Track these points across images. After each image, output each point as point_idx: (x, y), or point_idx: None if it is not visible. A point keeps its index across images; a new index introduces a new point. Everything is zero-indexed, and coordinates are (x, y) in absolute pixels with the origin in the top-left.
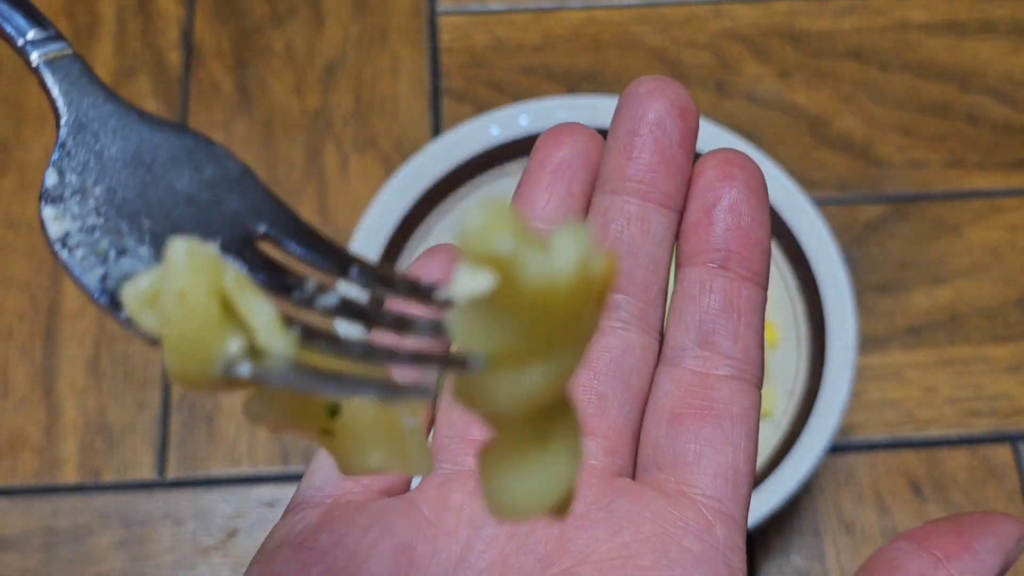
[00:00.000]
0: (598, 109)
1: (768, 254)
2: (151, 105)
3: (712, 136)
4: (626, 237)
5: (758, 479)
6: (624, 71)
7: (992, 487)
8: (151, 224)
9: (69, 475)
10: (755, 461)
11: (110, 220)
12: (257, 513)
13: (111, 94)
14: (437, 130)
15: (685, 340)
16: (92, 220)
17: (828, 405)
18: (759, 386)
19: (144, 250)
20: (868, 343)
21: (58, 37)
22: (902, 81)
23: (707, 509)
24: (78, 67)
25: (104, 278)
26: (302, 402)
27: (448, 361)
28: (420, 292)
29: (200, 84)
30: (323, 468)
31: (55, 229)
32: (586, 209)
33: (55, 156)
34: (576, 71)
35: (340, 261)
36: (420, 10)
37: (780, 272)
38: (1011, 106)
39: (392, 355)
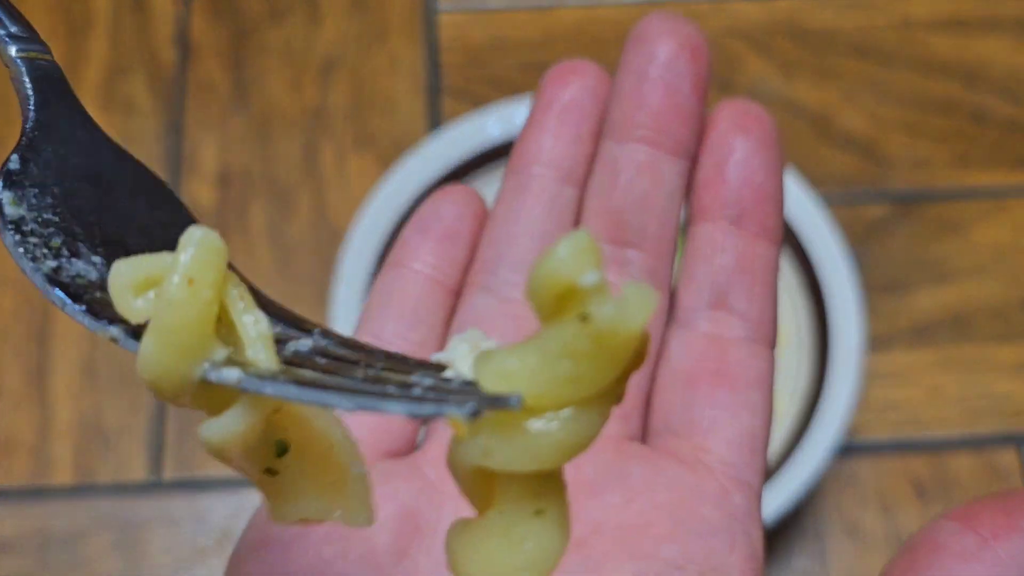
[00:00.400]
0: None
1: (782, 210)
2: (146, 103)
3: None
4: (637, 188)
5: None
6: None
7: (996, 489)
8: (104, 238)
9: (63, 477)
10: (771, 426)
11: (65, 221)
12: None
13: (83, 110)
14: (436, 128)
15: (697, 301)
16: (48, 216)
17: (833, 408)
18: (774, 347)
19: (97, 259)
20: (872, 343)
21: (41, 42)
22: (906, 79)
23: (724, 476)
24: (57, 74)
25: (57, 271)
26: (255, 434)
27: (486, 396)
28: (399, 361)
29: (196, 81)
30: None
31: (11, 211)
32: (593, 154)
33: (21, 144)
34: None
35: (299, 325)
36: (419, 8)
37: (782, 271)
38: (1016, 104)
39: (406, 386)
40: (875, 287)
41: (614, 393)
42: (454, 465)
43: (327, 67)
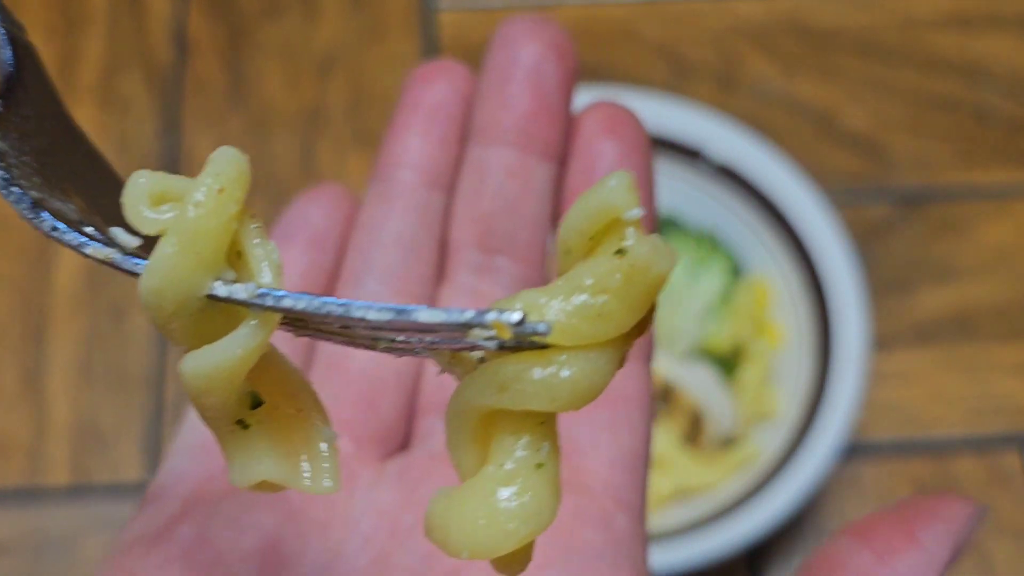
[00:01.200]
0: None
1: (656, 219)
2: (143, 101)
3: (719, 128)
4: (507, 192)
5: (763, 482)
6: (626, 67)
7: (998, 491)
8: (77, 194)
9: (59, 478)
10: (651, 442)
11: (45, 168)
12: None
13: (54, 87)
14: None
15: None
16: (27, 160)
17: (836, 409)
18: (650, 359)
19: (73, 206)
20: (874, 343)
21: (20, 25)
22: (908, 77)
23: (606, 498)
24: (32, 51)
25: (41, 201)
26: (251, 365)
27: (519, 325)
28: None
29: (193, 79)
30: (184, 452)
31: None
32: (460, 157)
33: (1, 93)
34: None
35: None
36: (418, 5)
37: (782, 269)
38: (1019, 102)
39: (434, 325)
40: (877, 286)
41: (624, 349)
42: (458, 412)
43: (325, 65)
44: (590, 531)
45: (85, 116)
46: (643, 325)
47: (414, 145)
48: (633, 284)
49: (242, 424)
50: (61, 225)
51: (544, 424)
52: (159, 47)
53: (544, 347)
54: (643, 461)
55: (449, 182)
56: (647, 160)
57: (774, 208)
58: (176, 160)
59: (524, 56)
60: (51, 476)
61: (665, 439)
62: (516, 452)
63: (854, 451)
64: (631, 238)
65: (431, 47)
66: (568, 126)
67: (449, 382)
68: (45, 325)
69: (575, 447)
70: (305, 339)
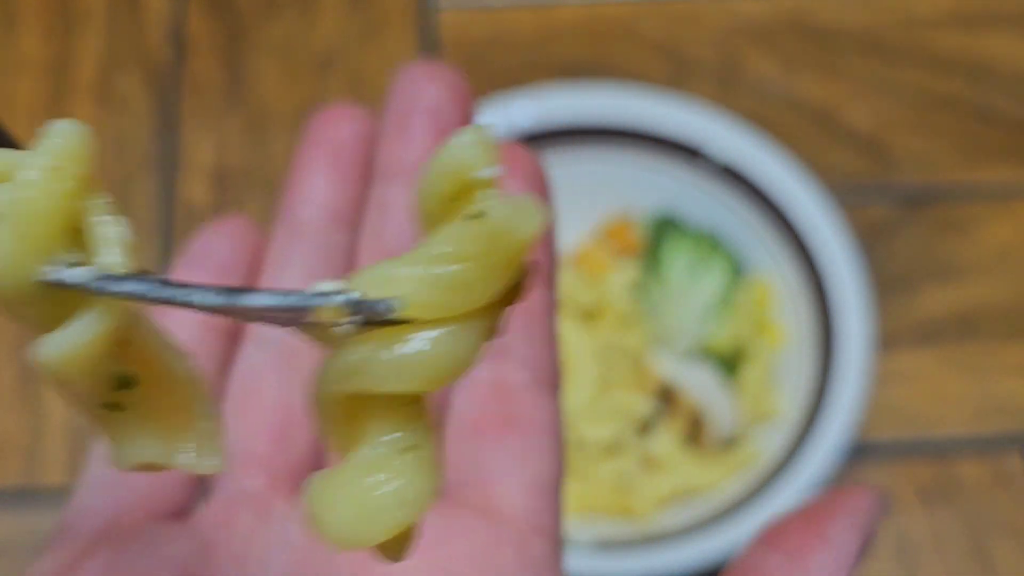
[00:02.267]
0: (590, 99)
1: (555, 250)
2: (142, 100)
3: (720, 127)
4: (409, 230)
5: (764, 483)
6: (627, 66)
7: (1001, 492)
8: None
9: (57, 478)
10: (563, 469)
11: None
12: None
13: None
14: None
15: None
16: None
17: (838, 410)
18: (558, 388)
19: None
20: (876, 343)
21: None
22: (911, 76)
23: (522, 523)
24: None
25: None
26: (103, 350)
27: (362, 299)
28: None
29: (191, 79)
30: (92, 486)
31: None
32: (364, 196)
33: None
34: (577, 67)
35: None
36: (416, 4)
37: (783, 269)
38: (1022, 102)
39: (270, 296)
40: (880, 286)
41: (492, 320)
42: (318, 397)
43: (324, 64)
44: (507, 556)
45: (83, 115)
46: (515, 292)
47: (316, 185)
48: (494, 249)
49: (116, 407)
50: None
51: (412, 404)
52: (157, 46)
53: (406, 322)
54: (555, 487)
55: (353, 220)
56: (547, 200)
57: (775, 207)
58: (174, 159)
59: (425, 97)
60: (48, 476)
61: (666, 439)
62: (383, 436)
63: (856, 452)
64: (489, 199)
65: (430, 46)
66: None
67: None
68: None
69: (486, 474)
70: (220, 359)
